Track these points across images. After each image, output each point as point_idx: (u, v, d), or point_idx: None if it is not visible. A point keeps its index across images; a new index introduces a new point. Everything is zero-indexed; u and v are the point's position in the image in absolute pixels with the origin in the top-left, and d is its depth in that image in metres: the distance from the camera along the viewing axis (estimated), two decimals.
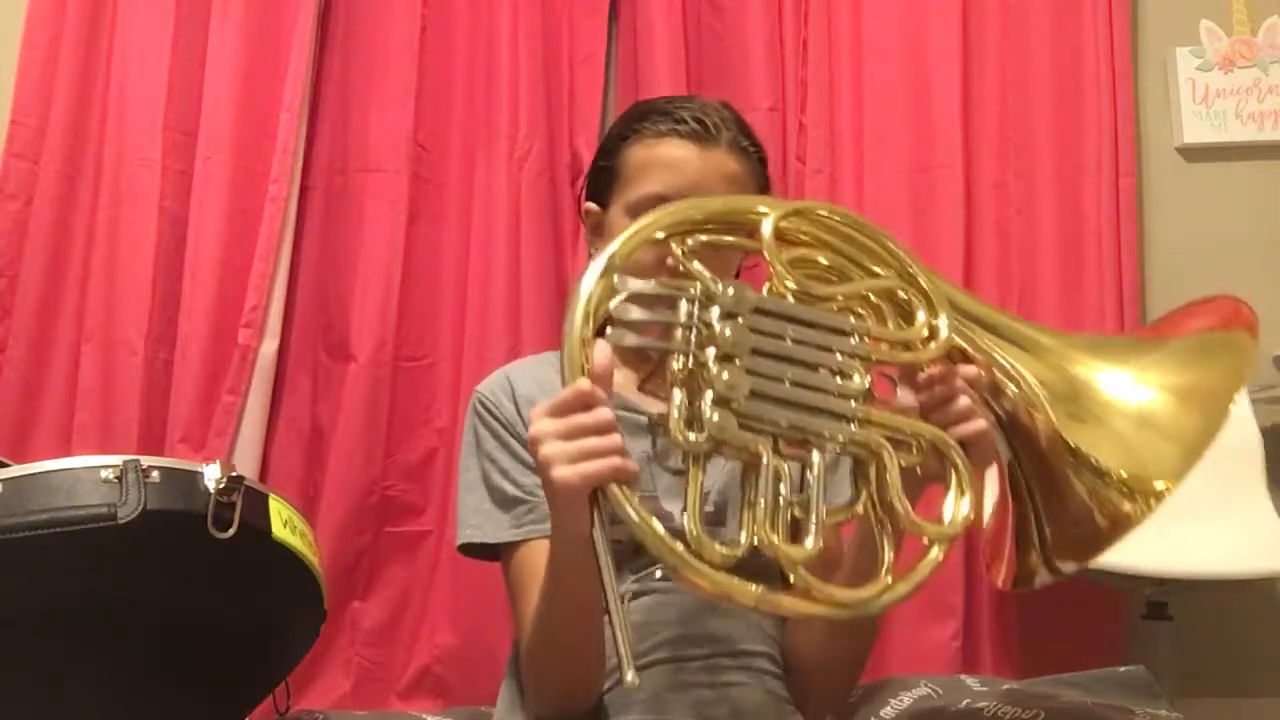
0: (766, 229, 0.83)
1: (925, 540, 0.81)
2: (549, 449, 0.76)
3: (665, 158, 1.04)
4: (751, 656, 1.05)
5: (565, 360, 0.76)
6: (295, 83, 2.13)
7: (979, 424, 0.84)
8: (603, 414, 0.76)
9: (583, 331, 0.77)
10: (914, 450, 0.82)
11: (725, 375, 0.75)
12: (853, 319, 0.83)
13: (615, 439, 0.76)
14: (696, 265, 0.80)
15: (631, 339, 0.77)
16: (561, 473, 0.75)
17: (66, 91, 2.12)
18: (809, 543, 0.76)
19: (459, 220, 2.21)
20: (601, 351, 0.77)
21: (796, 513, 0.77)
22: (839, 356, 0.80)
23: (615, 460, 0.75)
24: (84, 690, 1.14)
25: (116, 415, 2.03)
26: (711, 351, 0.76)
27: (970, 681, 1.37)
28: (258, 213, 2.11)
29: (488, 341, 2.13)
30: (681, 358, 0.77)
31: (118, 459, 1.10)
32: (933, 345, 0.84)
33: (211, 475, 1.12)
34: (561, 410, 0.77)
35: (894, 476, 0.80)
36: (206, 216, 2.10)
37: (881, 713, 1.19)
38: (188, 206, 2.11)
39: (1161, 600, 1.94)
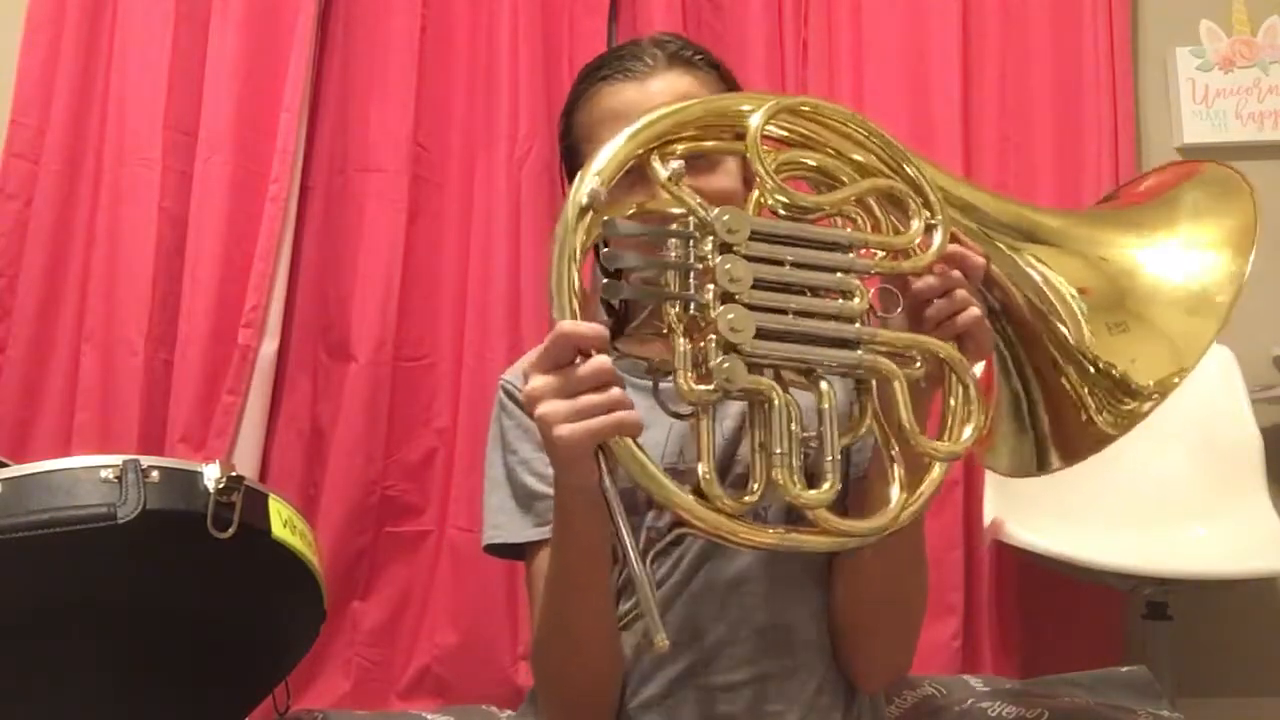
0: (753, 128, 0.77)
1: (930, 459, 0.79)
2: (546, 407, 0.72)
3: (608, 109, 0.96)
4: (787, 677, 0.97)
5: (555, 308, 0.73)
6: (295, 83, 2.13)
7: (973, 314, 0.81)
8: (598, 362, 0.72)
9: (569, 274, 0.72)
10: (917, 363, 0.79)
11: (730, 317, 0.72)
12: (848, 228, 0.80)
13: (615, 392, 0.72)
14: (686, 190, 0.76)
15: (627, 291, 0.74)
16: (562, 432, 0.72)
17: (66, 91, 2.12)
18: (826, 484, 0.73)
19: (459, 220, 2.21)
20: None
21: (810, 447, 0.75)
22: (838, 275, 0.77)
23: (618, 415, 0.71)
24: (84, 689, 1.14)
25: (116, 415, 2.03)
26: (712, 291, 0.72)
27: (974, 681, 1.37)
28: (258, 213, 2.11)
29: (488, 341, 2.13)
30: (680, 304, 0.73)
31: (117, 459, 1.10)
32: (931, 250, 0.80)
33: (211, 475, 1.12)
34: (554, 360, 0.73)
35: (902, 395, 0.77)
36: (206, 216, 2.10)
37: (886, 711, 1.19)
38: (188, 206, 2.11)
39: (1161, 600, 1.94)
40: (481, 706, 1.73)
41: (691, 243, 0.74)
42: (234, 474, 1.13)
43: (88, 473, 1.09)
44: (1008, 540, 1.86)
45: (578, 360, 0.72)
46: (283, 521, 1.19)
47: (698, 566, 0.97)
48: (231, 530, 1.11)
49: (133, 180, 2.10)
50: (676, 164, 0.77)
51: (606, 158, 0.76)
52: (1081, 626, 2.12)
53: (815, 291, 0.76)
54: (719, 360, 0.72)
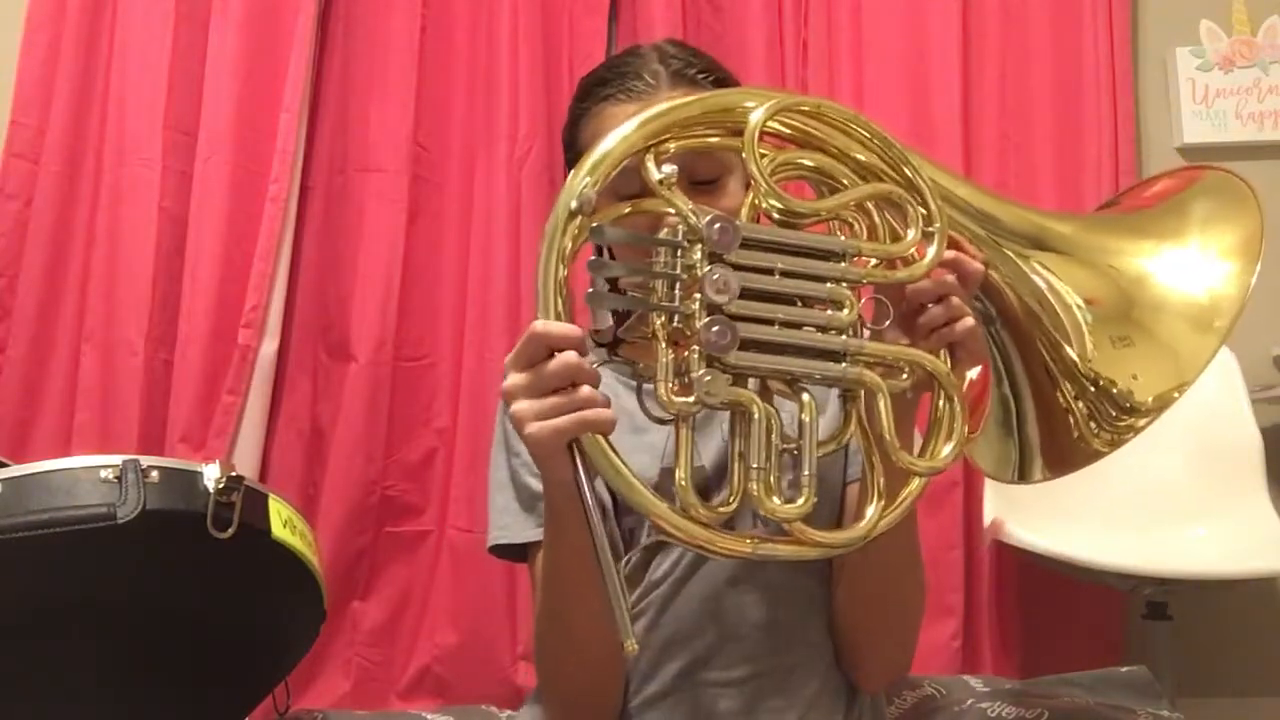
0: (751, 130, 0.76)
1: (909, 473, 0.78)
2: (518, 406, 0.74)
3: (610, 130, 0.92)
4: (787, 675, 0.98)
5: (540, 308, 0.73)
6: (295, 83, 2.13)
7: (967, 324, 0.80)
8: (566, 359, 0.72)
9: (557, 275, 0.73)
10: (903, 375, 0.79)
11: (715, 329, 0.71)
12: (844, 234, 0.78)
13: (584, 391, 0.73)
14: (678, 194, 0.75)
15: (611, 301, 0.73)
16: (532, 429, 0.73)
17: (66, 91, 2.12)
18: (801, 499, 0.73)
19: (459, 220, 2.21)
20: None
21: (791, 454, 0.74)
22: (829, 285, 0.76)
23: (585, 414, 0.72)
24: (83, 689, 1.14)
25: (116, 415, 2.03)
26: (698, 301, 0.72)
27: (973, 682, 1.38)
28: (258, 213, 2.11)
29: (488, 341, 2.13)
30: (665, 315, 0.73)
31: (117, 459, 1.10)
32: (926, 259, 0.79)
33: (211, 475, 1.12)
34: (527, 358, 0.74)
35: (885, 409, 0.76)
36: (206, 216, 2.10)
37: (886, 712, 1.19)
38: (188, 206, 2.11)
39: (1161, 600, 1.94)
40: (481, 706, 1.74)
41: (680, 251, 0.73)
42: (234, 474, 1.13)
43: (87, 473, 1.09)
44: (1008, 540, 1.86)
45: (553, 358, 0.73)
46: (283, 521, 1.19)
47: (697, 563, 0.97)
48: (231, 530, 1.11)
49: (133, 180, 2.10)
50: (670, 168, 0.76)
51: (597, 159, 0.75)
52: (1081, 626, 2.12)
53: (805, 301, 0.76)
54: (700, 373, 0.71)
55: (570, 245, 0.74)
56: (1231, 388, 2.05)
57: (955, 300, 0.80)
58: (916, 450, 0.80)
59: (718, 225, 0.73)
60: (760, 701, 0.96)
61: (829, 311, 0.76)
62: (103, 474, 1.09)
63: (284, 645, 1.30)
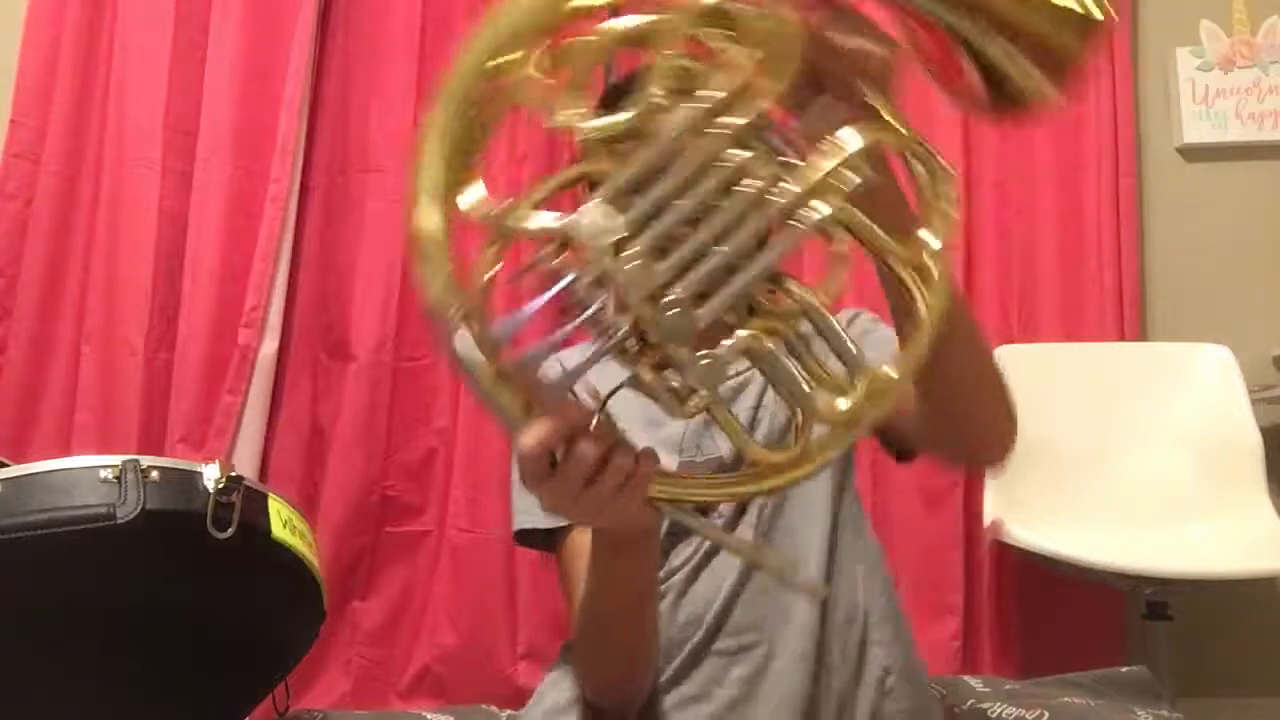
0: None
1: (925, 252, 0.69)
2: (571, 514, 0.70)
3: None
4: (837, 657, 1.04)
5: (507, 425, 0.63)
6: (295, 82, 2.13)
7: (863, 50, 0.72)
8: (578, 458, 0.63)
9: (502, 398, 0.62)
10: (851, 172, 0.65)
11: (670, 326, 0.61)
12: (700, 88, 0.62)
13: (615, 463, 0.64)
14: (525, 216, 0.61)
15: (569, 380, 0.63)
16: (601, 524, 0.72)
17: (66, 91, 2.12)
18: (857, 389, 0.65)
19: None
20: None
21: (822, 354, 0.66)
22: (726, 158, 0.61)
23: (637, 485, 0.65)
24: (83, 690, 1.14)
25: (116, 415, 2.04)
26: (631, 310, 0.60)
27: (973, 682, 1.38)
28: (258, 213, 2.11)
29: None
30: (616, 348, 0.62)
31: (117, 459, 1.10)
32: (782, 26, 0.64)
33: (211, 475, 1.12)
34: (535, 476, 0.65)
35: (868, 219, 0.66)
36: (206, 216, 2.10)
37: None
38: (188, 206, 2.11)
39: (1161, 600, 1.94)
40: (481, 706, 1.73)
41: (574, 279, 0.60)
42: (234, 474, 1.13)
43: (87, 473, 1.09)
44: (1008, 540, 1.86)
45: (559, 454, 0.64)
46: (282, 521, 1.19)
47: (713, 551, 1.04)
48: (231, 530, 1.11)
49: (133, 180, 2.10)
50: (477, 191, 0.63)
51: (436, 277, 0.67)
52: (1081, 626, 2.12)
53: (720, 192, 0.62)
54: (692, 367, 0.62)
55: (498, 367, 0.63)
56: (1231, 388, 2.05)
57: (841, 35, 0.70)
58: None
59: (586, 220, 0.60)
60: (770, 663, 1.02)
61: (745, 183, 0.62)
62: (102, 474, 1.09)
63: (284, 645, 1.30)
